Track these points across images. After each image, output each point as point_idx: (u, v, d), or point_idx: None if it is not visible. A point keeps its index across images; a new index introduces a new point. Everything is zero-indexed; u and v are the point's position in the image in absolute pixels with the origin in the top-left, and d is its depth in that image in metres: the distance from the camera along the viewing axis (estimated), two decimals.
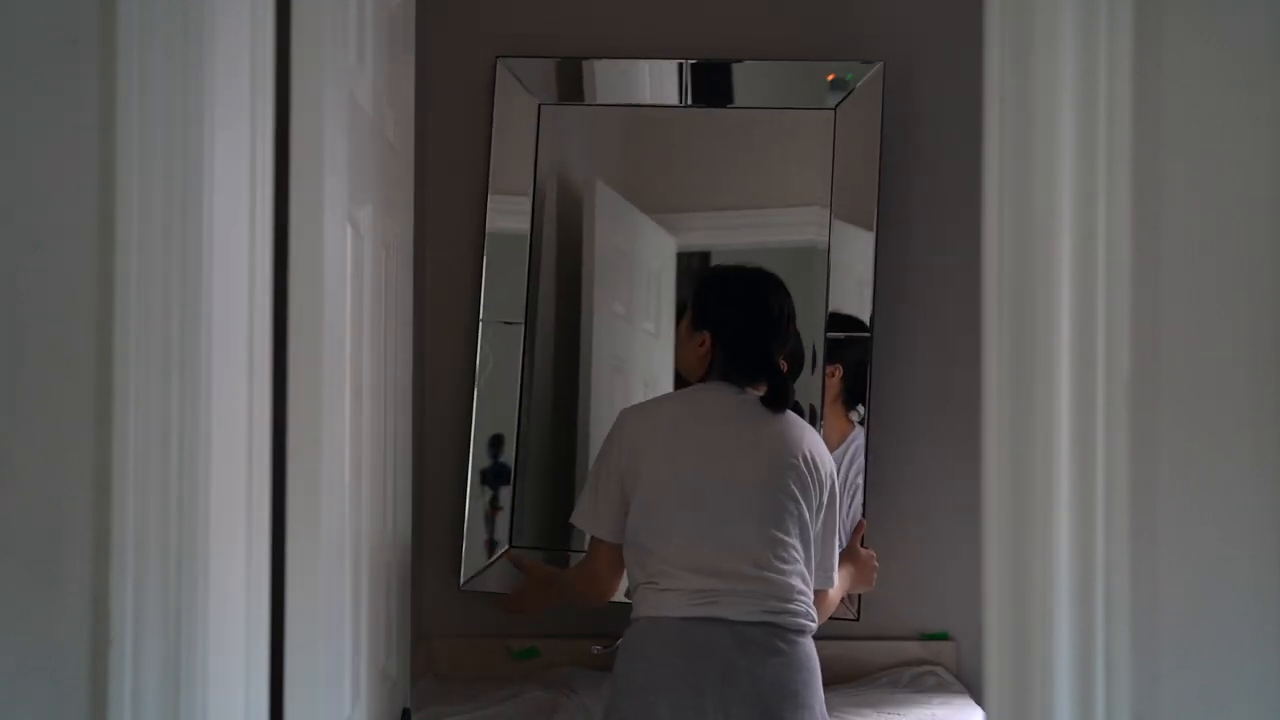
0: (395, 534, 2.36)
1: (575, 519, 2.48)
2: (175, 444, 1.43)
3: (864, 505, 2.94)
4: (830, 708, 2.65)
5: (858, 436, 2.97)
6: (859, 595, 2.89)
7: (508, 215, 3.05)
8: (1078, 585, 1.38)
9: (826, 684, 2.56)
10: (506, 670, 3.05)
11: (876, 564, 2.78)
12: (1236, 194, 1.38)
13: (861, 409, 2.98)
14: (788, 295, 2.52)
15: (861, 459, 2.95)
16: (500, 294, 3.04)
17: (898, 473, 3.09)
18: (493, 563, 3.00)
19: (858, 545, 2.78)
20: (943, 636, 3.10)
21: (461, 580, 2.99)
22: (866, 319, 2.98)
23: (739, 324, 2.47)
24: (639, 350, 3.06)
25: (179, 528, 1.43)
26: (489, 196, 3.04)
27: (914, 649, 3.09)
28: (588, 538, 2.50)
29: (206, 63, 1.44)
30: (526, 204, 3.04)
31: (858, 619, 2.94)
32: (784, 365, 2.58)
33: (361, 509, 2.02)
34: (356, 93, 1.96)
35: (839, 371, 2.99)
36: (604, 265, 3.08)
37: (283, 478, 1.70)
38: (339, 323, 1.83)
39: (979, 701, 2.83)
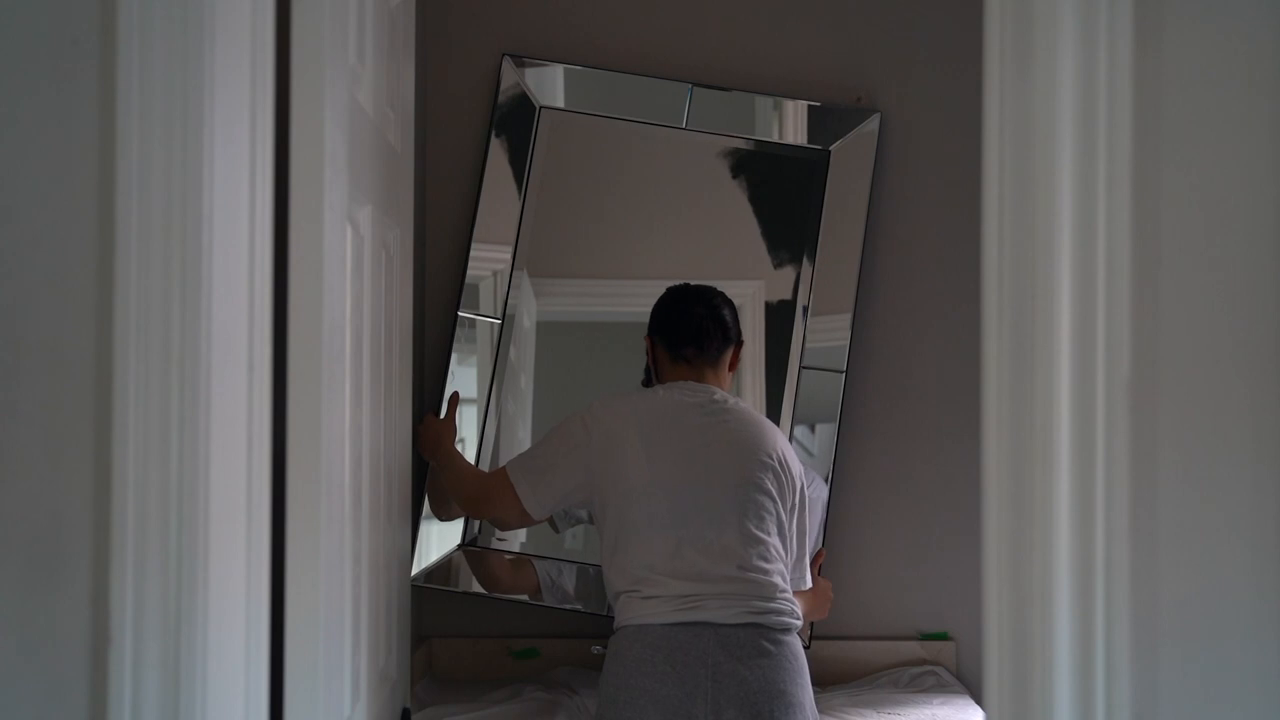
0: (395, 534, 2.36)
1: (515, 476, 2.45)
2: (175, 444, 1.43)
3: (823, 536, 2.94)
4: (830, 708, 2.66)
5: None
6: (811, 623, 2.89)
7: (499, 216, 3.05)
8: (1078, 585, 1.38)
9: (827, 684, 2.57)
10: (506, 670, 3.05)
11: (831, 595, 2.78)
12: (1236, 194, 1.38)
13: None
14: (731, 306, 2.57)
15: (818, 485, 2.95)
16: (481, 293, 3.04)
17: (899, 471, 3.10)
18: (442, 560, 2.95)
19: (815, 574, 2.77)
20: (943, 636, 3.10)
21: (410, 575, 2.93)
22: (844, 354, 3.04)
23: (666, 309, 2.54)
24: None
25: (179, 528, 1.43)
26: (481, 196, 3.04)
27: (914, 649, 3.09)
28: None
29: (206, 63, 1.44)
30: (516, 206, 3.04)
31: (809, 646, 2.94)
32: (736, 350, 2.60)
33: (361, 509, 2.02)
34: (356, 93, 1.96)
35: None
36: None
37: (283, 478, 1.70)
38: (339, 323, 1.83)
39: (979, 701, 2.83)
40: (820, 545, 2.92)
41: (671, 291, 2.60)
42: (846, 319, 3.04)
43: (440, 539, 2.96)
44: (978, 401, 1.48)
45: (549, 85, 3.09)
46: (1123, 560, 1.37)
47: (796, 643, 2.34)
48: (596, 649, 2.88)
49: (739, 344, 2.58)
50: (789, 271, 3.06)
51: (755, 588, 2.30)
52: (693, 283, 2.62)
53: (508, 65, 3.06)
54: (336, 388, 1.81)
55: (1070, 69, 1.39)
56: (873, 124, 3.08)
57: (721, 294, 2.59)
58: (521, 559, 2.97)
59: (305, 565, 1.71)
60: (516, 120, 3.06)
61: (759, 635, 2.28)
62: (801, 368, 3.02)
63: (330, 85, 1.74)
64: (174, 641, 1.43)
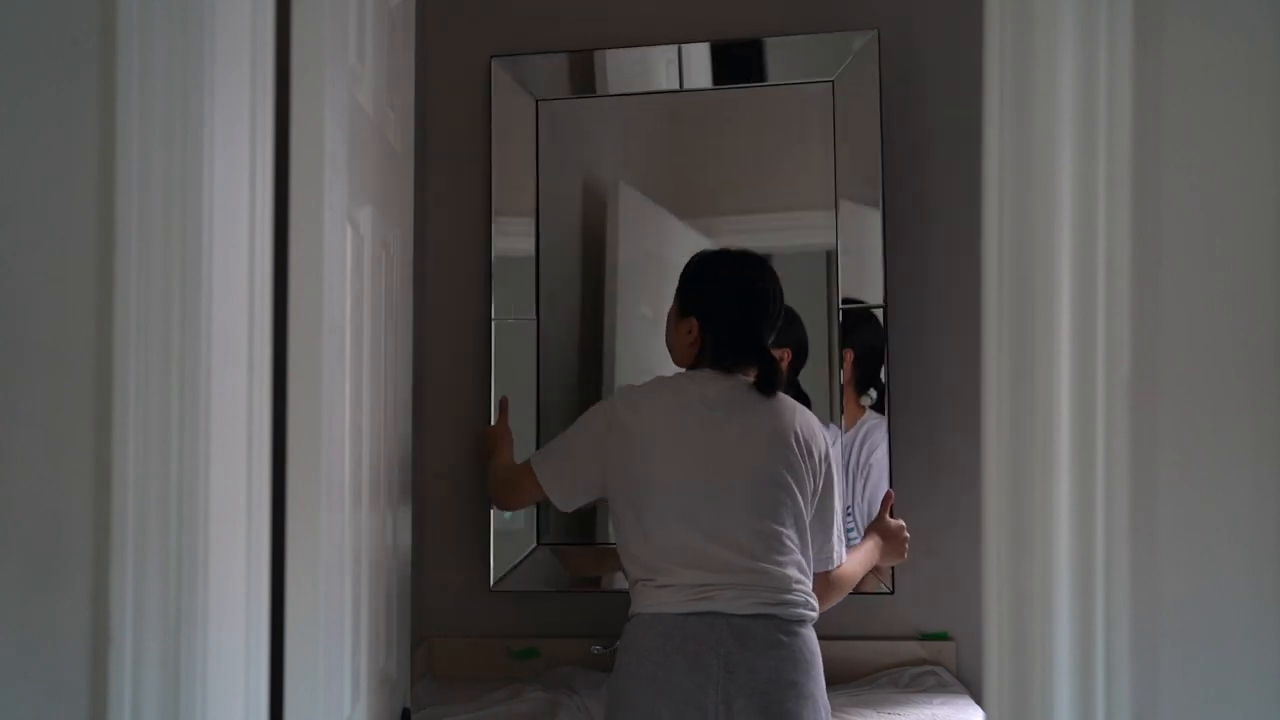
0: (395, 534, 2.36)
1: (536, 465, 2.48)
2: (175, 444, 1.43)
3: (891, 478, 2.93)
4: (830, 708, 2.65)
5: (868, 420, 2.97)
6: (892, 568, 2.88)
7: (511, 217, 3.05)
8: (1078, 585, 1.38)
9: (827, 684, 2.56)
10: (506, 670, 3.05)
11: (907, 534, 2.77)
12: (1236, 194, 1.38)
13: (873, 393, 2.98)
14: (774, 276, 2.50)
15: (877, 442, 2.94)
16: (511, 291, 3.04)
17: (898, 473, 3.10)
18: (522, 561, 3.01)
19: (886, 516, 2.77)
20: (943, 636, 3.10)
21: (491, 581, 3.01)
22: (879, 298, 2.97)
23: (726, 309, 2.47)
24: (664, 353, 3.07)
25: (179, 528, 1.43)
26: (493, 196, 3.04)
27: (914, 649, 3.09)
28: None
29: (207, 63, 1.44)
30: (530, 204, 3.04)
31: (893, 592, 2.93)
32: (787, 355, 2.57)
33: (361, 509, 2.02)
34: (356, 93, 1.96)
35: (851, 356, 2.99)
36: (629, 268, 3.08)
37: (283, 478, 1.70)
38: (339, 323, 1.83)
39: (979, 701, 2.83)
40: (889, 488, 2.90)
41: (731, 280, 2.49)
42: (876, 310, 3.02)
43: (517, 542, 3.00)
44: (977, 402, 1.48)
45: (544, 78, 3.07)
46: (1123, 560, 1.37)
47: (811, 635, 2.34)
48: (596, 649, 2.89)
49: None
50: (819, 212, 2.99)
51: (768, 579, 2.31)
52: (741, 256, 2.50)
53: (497, 66, 3.06)
54: (336, 388, 1.81)
55: (1070, 69, 1.39)
56: (871, 44, 2.98)
57: (775, 285, 2.49)
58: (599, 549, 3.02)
59: (305, 565, 1.71)
60: (517, 120, 3.06)
61: (773, 626, 2.29)
62: (842, 307, 2.99)
63: (330, 85, 1.74)
64: (174, 641, 1.43)
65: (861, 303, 2.97)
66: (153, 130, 1.43)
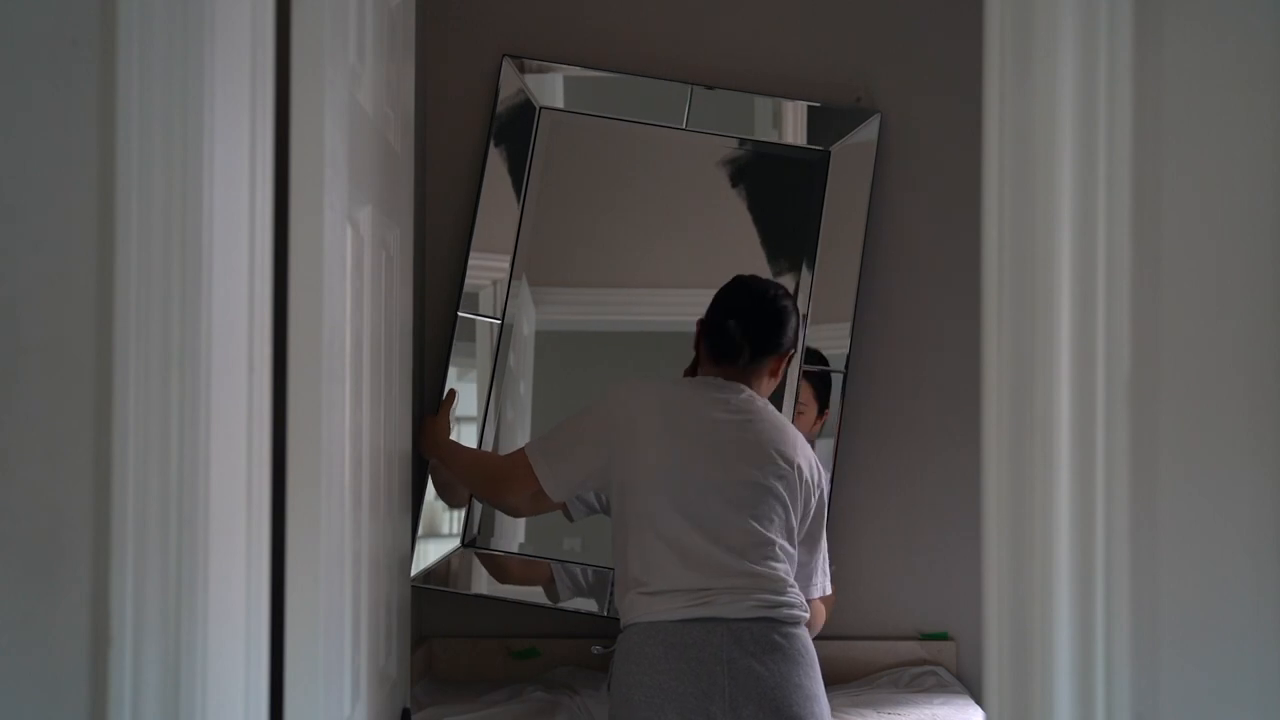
0: (395, 534, 2.36)
1: (534, 455, 2.44)
2: (175, 444, 1.43)
3: (830, 499, 2.94)
4: (830, 708, 2.66)
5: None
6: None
7: (498, 217, 3.05)
8: (1078, 585, 1.38)
9: (827, 684, 2.57)
10: (506, 670, 3.05)
11: (824, 618, 2.75)
12: (1237, 194, 1.38)
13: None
14: (795, 311, 2.53)
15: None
16: (481, 295, 3.04)
17: (899, 472, 3.10)
18: (441, 561, 2.95)
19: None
20: (943, 636, 3.10)
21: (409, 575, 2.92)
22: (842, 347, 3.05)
23: (724, 316, 2.49)
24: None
25: (179, 528, 1.43)
26: (480, 198, 3.03)
27: (914, 649, 3.09)
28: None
29: (207, 63, 1.44)
30: (516, 208, 3.04)
31: None
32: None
33: (361, 509, 2.02)
34: (356, 93, 1.96)
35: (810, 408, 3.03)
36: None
37: (283, 478, 1.70)
38: (339, 323, 1.83)
39: (979, 701, 2.83)
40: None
41: (736, 289, 2.54)
42: (846, 325, 3.03)
43: (439, 540, 2.95)
44: (978, 402, 1.48)
45: (549, 87, 3.08)
46: (1123, 560, 1.37)
47: (805, 635, 2.35)
48: (597, 649, 2.88)
49: (785, 354, 2.54)
50: (789, 277, 3.05)
51: (764, 581, 2.31)
52: (760, 279, 2.58)
53: (508, 66, 3.06)
54: (336, 388, 1.81)
55: (1070, 69, 1.39)
56: (872, 124, 3.08)
57: (782, 301, 2.52)
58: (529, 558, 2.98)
59: (305, 565, 1.71)
60: (516, 122, 3.06)
61: (770, 629, 2.29)
62: (802, 369, 3.02)
63: (330, 85, 1.74)
64: (174, 641, 1.42)
65: (825, 365, 3.04)
66: (153, 130, 1.43)
